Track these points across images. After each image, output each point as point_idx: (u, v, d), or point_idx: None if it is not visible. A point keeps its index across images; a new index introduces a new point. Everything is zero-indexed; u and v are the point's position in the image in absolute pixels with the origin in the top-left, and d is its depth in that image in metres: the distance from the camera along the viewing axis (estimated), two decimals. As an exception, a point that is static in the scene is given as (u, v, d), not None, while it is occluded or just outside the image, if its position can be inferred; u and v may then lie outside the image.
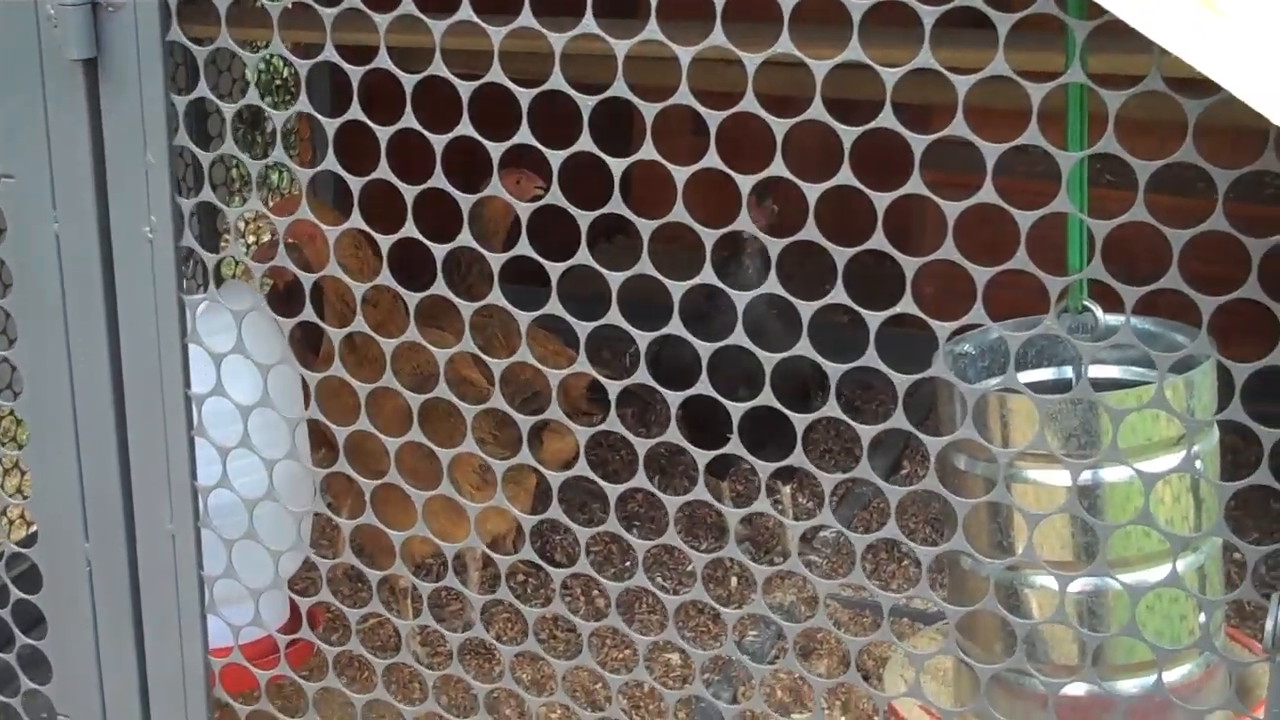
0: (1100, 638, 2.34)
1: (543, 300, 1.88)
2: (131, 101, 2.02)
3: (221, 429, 2.16)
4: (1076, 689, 2.13)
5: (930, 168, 1.65)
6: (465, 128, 1.82)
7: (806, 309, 1.76)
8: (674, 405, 1.88)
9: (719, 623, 3.75)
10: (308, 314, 2.08)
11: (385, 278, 1.98)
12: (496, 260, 1.90)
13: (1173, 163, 1.57)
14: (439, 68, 1.82)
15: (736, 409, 1.83)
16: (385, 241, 1.94)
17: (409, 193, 1.89)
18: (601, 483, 1.97)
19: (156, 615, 2.28)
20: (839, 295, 1.73)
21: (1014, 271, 1.66)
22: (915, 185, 1.67)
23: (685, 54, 1.69)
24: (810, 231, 1.72)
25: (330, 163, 1.96)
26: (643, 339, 1.86)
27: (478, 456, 2.04)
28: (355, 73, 1.87)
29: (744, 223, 1.83)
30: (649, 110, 1.74)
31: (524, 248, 1.87)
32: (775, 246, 1.76)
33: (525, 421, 1.99)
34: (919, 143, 1.65)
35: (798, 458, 1.85)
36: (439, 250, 1.91)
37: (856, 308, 1.73)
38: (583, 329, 1.88)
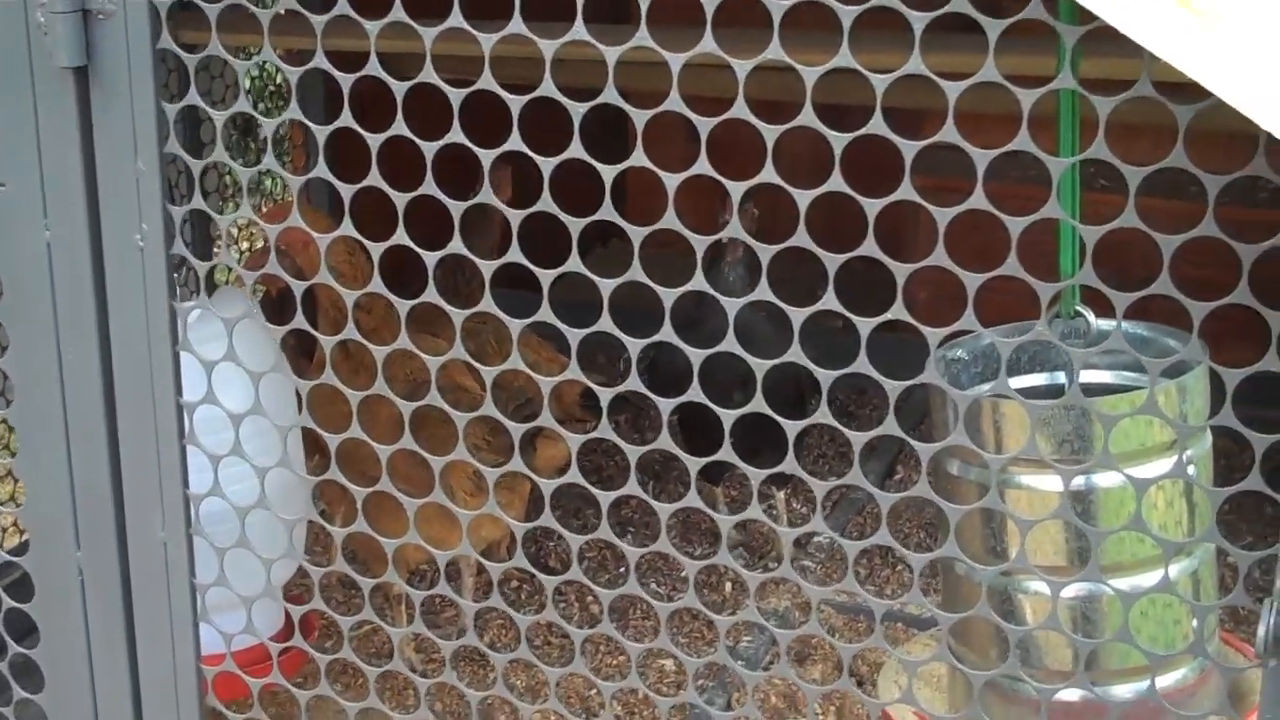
0: (1094, 643, 2.34)
1: (535, 307, 1.88)
2: (122, 109, 2.02)
3: (213, 436, 2.15)
4: (1070, 694, 2.13)
5: (922, 173, 1.65)
6: (456, 134, 1.82)
7: (797, 315, 1.76)
8: (666, 412, 1.88)
9: (713, 628, 3.75)
10: (299, 321, 2.08)
11: (377, 284, 1.98)
12: (490, 266, 1.90)
13: (1164, 167, 1.57)
14: (429, 74, 1.82)
15: (729, 415, 1.83)
16: (376, 248, 1.94)
17: (400, 200, 1.89)
18: (594, 490, 1.97)
19: (148, 623, 2.28)
20: (830, 301, 1.73)
21: (1006, 276, 1.66)
22: (906, 191, 1.66)
23: (676, 60, 1.69)
24: (801, 237, 1.72)
25: (321, 169, 1.96)
26: (633, 345, 1.86)
27: (471, 463, 2.04)
28: (346, 79, 1.87)
29: (728, 229, 1.83)
30: (640, 116, 1.74)
31: (515, 254, 1.86)
32: (765, 253, 1.76)
33: (519, 428, 1.99)
34: (910, 148, 1.65)
35: (790, 464, 1.85)
36: (430, 257, 1.91)
37: (847, 314, 1.72)
38: (574, 336, 1.88)
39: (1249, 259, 1.57)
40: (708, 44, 1.67)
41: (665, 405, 1.88)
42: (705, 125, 1.71)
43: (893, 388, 1.75)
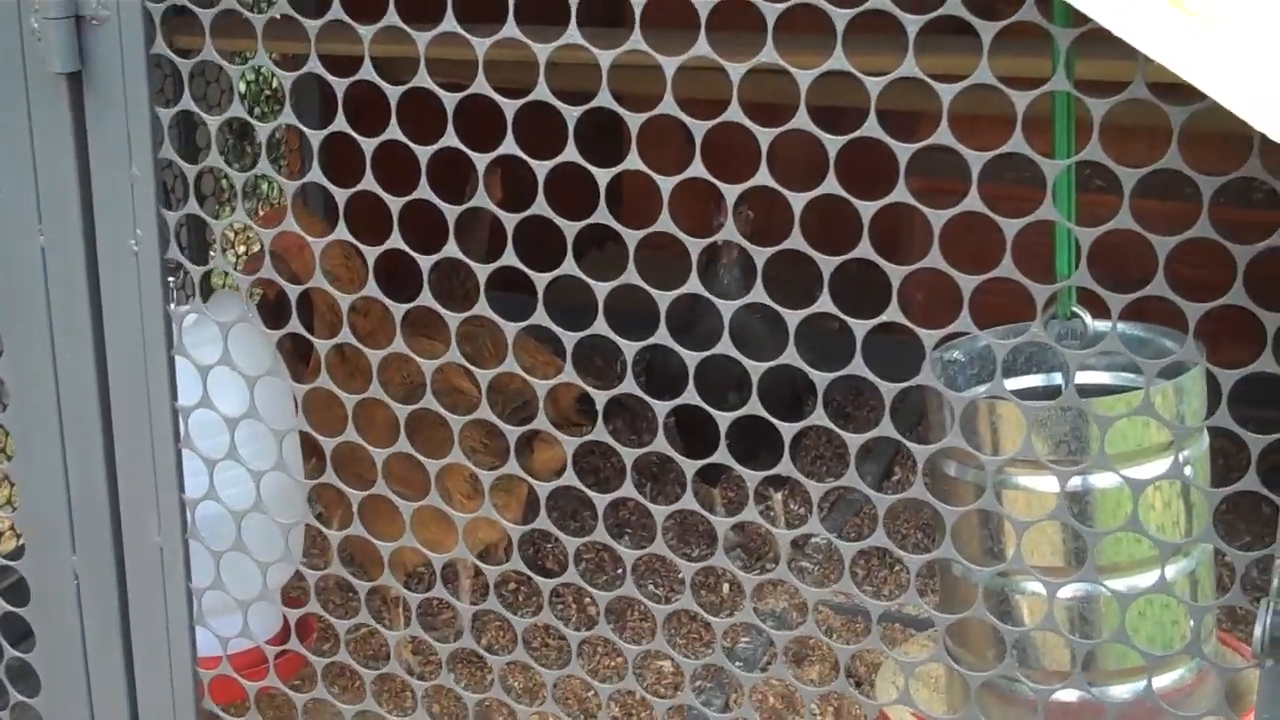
0: (1090, 644, 2.34)
1: (531, 310, 1.88)
2: (116, 114, 2.02)
3: (209, 440, 2.15)
4: (1068, 695, 2.13)
5: (918, 174, 1.65)
6: (450, 138, 1.82)
7: (793, 317, 1.75)
8: (662, 414, 1.88)
9: (711, 630, 3.75)
10: (295, 325, 2.08)
11: (373, 288, 1.98)
12: (484, 269, 1.90)
13: (1159, 169, 1.57)
14: (423, 78, 1.82)
15: (725, 418, 1.83)
16: (371, 252, 1.94)
17: (395, 204, 1.89)
18: (590, 492, 1.97)
19: (144, 627, 2.28)
20: (825, 303, 1.73)
21: (1002, 278, 1.66)
22: (901, 194, 1.66)
23: (670, 63, 1.69)
24: (796, 240, 1.72)
25: (315, 174, 1.96)
26: (629, 348, 1.86)
27: (468, 466, 2.04)
28: (340, 84, 1.86)
29: (723, 231, 1.83)
30: (634, 119, 1.74)
31: (510, 258, 1.86)
32: (760, 255, 1.76)
33: (516, 431, 1.99)
34: (904, 151, 1.65)
35: (786, 467, 1.85)
36: (425, 261, 1.91)
37: (843, 316, 1.72)
38: (569, 339, 1.88)
39: (1244, 259, 1.57)
40: (702, 47, 1.67)
41: (661, 408, 1.88)
42: (700, 128, 1.71)
43: (889, 389, 1.75)
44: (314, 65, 1.89)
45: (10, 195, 2.12)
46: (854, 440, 1.80)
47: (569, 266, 1.84)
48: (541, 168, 1.79)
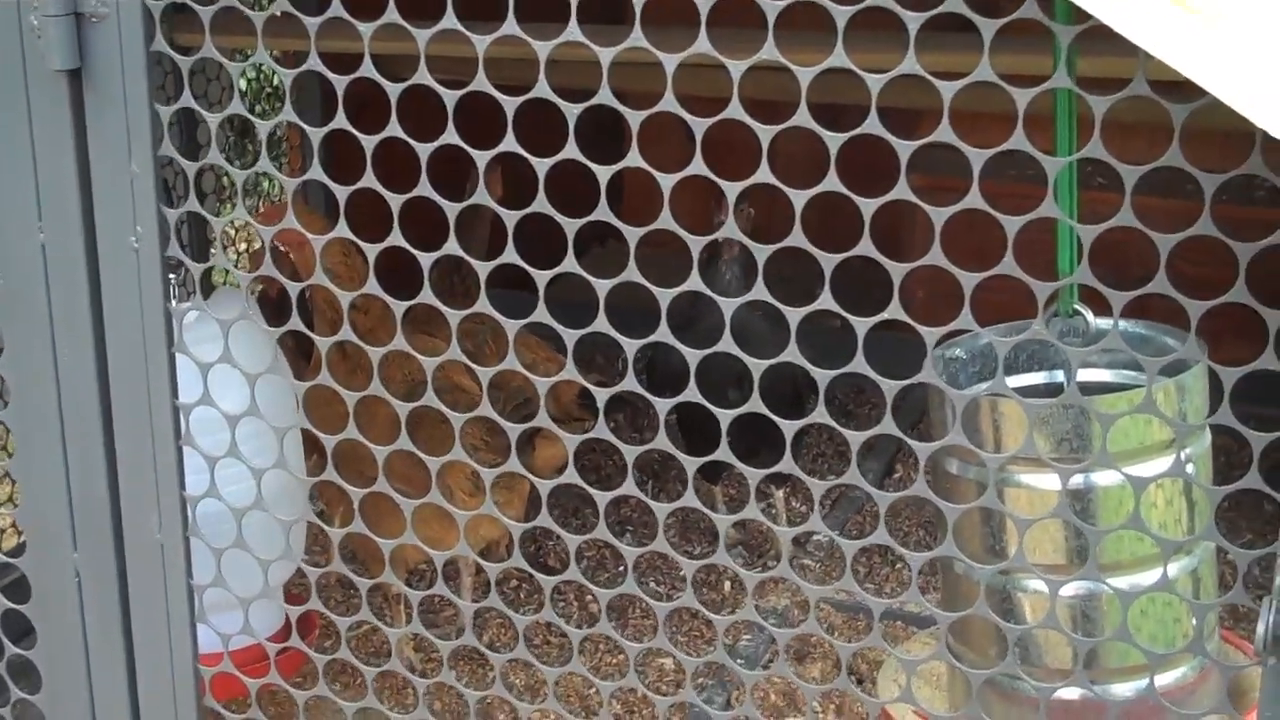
0: (1092, 642, 2.33)
1: (532, 307, 1.88)
2: (116, 111, 2.02)
3: (210, 438, 2.15)
4: (1070, 693, 2.13)
5: (919, 172, 1.65)
6: (450, 135, 1.82)
7: (794, 314, 1.75)
8: (663, 411, 1.88)
9: (713, 627, 3.75)
10: (295, 323, 2.08)
11: (372, 285, 1.97)
12: (485, 265, 1.90)
13: (1161, 166, 1.57)
14: (424, 75, 1.82)
15: (726, 415, 1.83)
16: (371, 249, 1.94)
17: (395, 201, 1.88)
18: (591, 490, 1.96)
19: (146, 624, 2.28)
20: (826, 301, 1.73)
21: (1004, 275, 1.66)
22: (902, 191, 1.66)
23: (671, 60, 1.69)
24: (797, 237, 1.71)
25: (316, 171, 1.95)
26: (629, 345, 1.86)
27: (470, 464, 2.04)
28: (340, 81, 1.86)
29: (723, 228, 1.83)
30: (634, 117, 1.74)
31: (511, 255, 1.86)
32: (761, 252, 1.76)
33: (517, 428, 1.99)
34: (905, 148, 1.64)
35: (787, 464, 1.85)
36: (426, 258, 1.91)
37: (843, 313, 1.72)
38: (570, 336, 1.87)
39: (1246, 257, 1.57)
40: (702, 44, 1.67)
41: (662, 405, 1.88)
42: (700, 125, 1.71)
43: (890, 387, 1.75)
44: (314, 62, 1.89)
45: (10, 192, 2.12)
46: (855, 438, 1.80)
47: (570, 264, 1.83)
48: (542, 165, 1.79)
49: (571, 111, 1.76)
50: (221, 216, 2.12)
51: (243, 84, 1.95)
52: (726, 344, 1.79)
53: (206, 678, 2.29)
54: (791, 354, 1.77)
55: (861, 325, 1.72)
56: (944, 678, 2.97)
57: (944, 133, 1.62)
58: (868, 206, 1.67)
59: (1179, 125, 1.53)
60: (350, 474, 2.12)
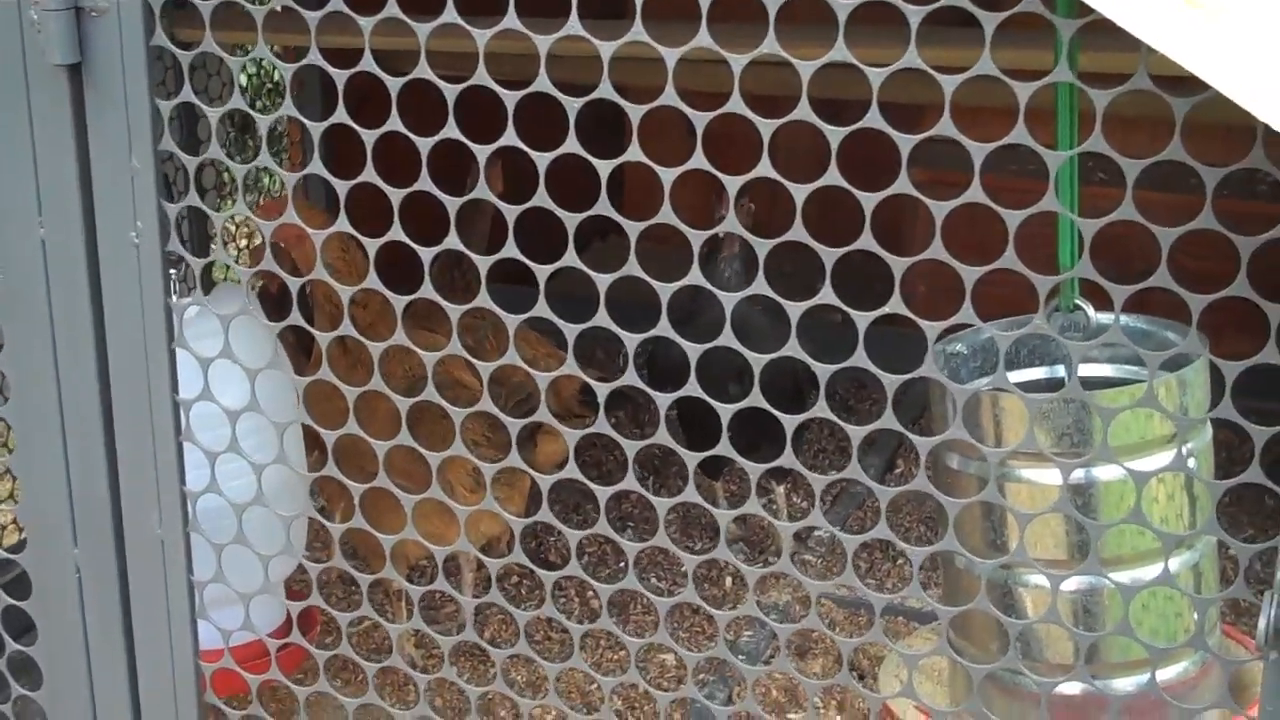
0: (1093, 636, 2.33)
1: (533, 302, 1.88)
2: (116, 106, 2.01)
3: (211, 433, 2.15)
4: (1071, 688, 2.13)
5: (921, 166, 1.65)
6: (451, 130, 1.82)
7: (795, 309, 1.75)
8: (664, 406, 1.88)
9: (714, 623, 3.75)
10: (295, 318, 2.07)
11: (372, 280, 1.97)
12: (486, 260, 1.90)
13: (1164, 160, 1.56)
14: (424, 70, 1.81)
15: (727, 410, 1.83)
16: (371, 244, 1.94)
17: (396, 196, 1.88)
18: (592, 485, 1.96)
19: (146, 620, 2.28)
20: (827, 295, 1.73)
21: (1005, 270, 1.65)
22: (903, 185, 1.66)
23: (671, 55, 1.68)
24: (798, 231, 1.71)
25: (316, 166, 1.95)
26: (630, 340, 1.86)
27: (471, 459, 2.04)
28: (340, 76, 1.86)
29: (724, 223, 1.83)
30: (635, 111, 1.74)
31: (512, 250, 1.86)
32: (762, 247, 1.76)
33: (518, 424, 1.98)
34: (906, 142, 1.64)
35: (788, 459, 1.85)
36: (426, 253, 1.91)
37: (845, 308, 1.72)
38: (570, 331, 1.87)
39: (1247, 251, 1.56)
40: (703, 38, 1.67)
41: (663, 400, 1.88)
42: (701, 120, 1.71)
43: (891, 381, 1.75)
44: (314, 57, 1.89)
45: (10, 188, 2.12)
46: (856, 433, 1.80)
47: (570, 258, 1.83)
48: (543, 159, 1.79)
49: (572, 106, 1.76)
50: (222, 212, 2.11)
51: (243, 79, 1.94)
52: (727, 339, 1.79)
53: (207, 674, 2.30)
54: (792, 348, 1.77)
55: (862, 320, 1.72)
56: (945, 673, 2.97)
57: (945, 127, 1.62)
58: (869, 201, 1.67)
59: (1180, 119, 1.52)
60: (351, 469, 2.12)
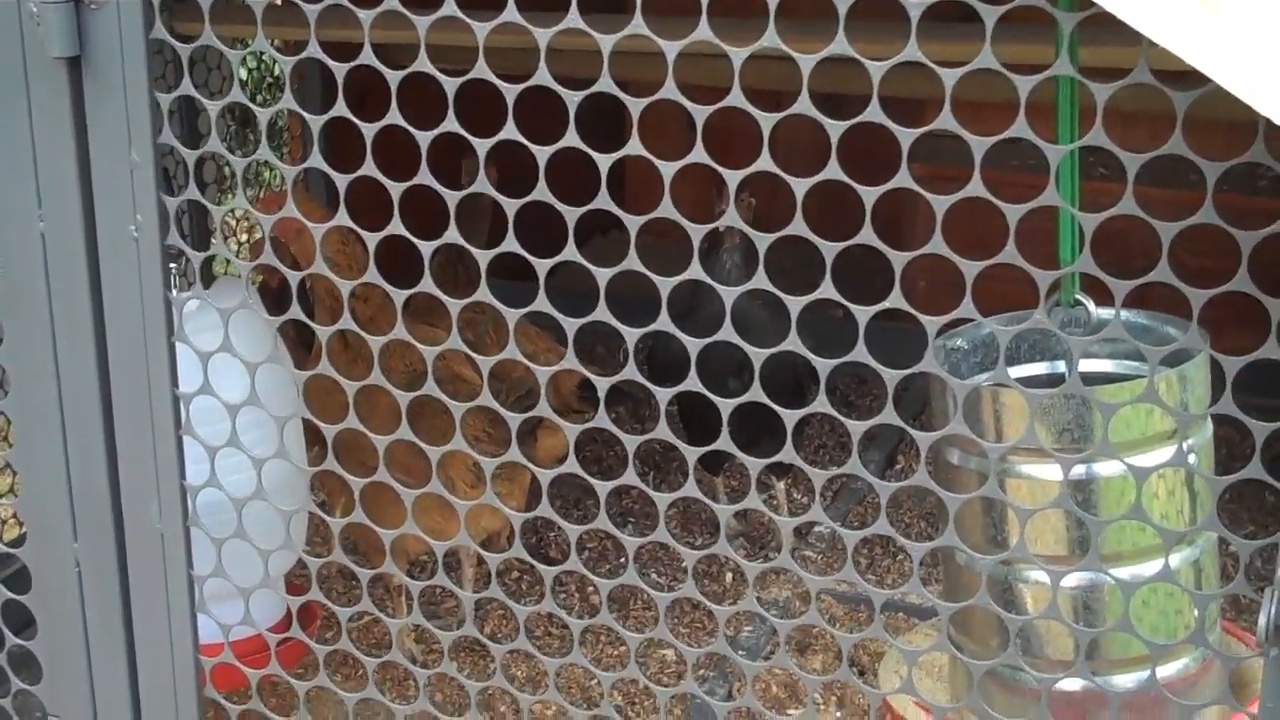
0: (1094, 633, 2.33)
1: (533, 296, 1.87)
2: (115, 99, 2.01)
3: (211, 427, 2.15)
4: (1072, 684, 2.12)
5: (921, 160, 1.64)
6: (451, 124, 1.81)
7: (795, 303, 1.75)
8: (664, 401, 1.88)
9: (714, 618, 3.75)
10: (295, 311, 2.07)
11: (372, 274, 1.97)
12: (486, 254, 1.89)
13: (1164, 155, 1.56)
14: (424, 64, 1.81)
15: (727, 405, 1.83)
16: (371, 238, 1.93)
17: (395, 189, 1.88)
18: (592, 480, 1.96)
19: (146, 615, 2.28)
20: (828, 290, 1.72)
21: (1006, 265, 1.65)
22: (903, 179, 1.66)
23: (671, 48, 1.68)
24: (798, 226, 1.71)
25: (315, 159, 1.95)
26: (630, 335, 1.85)
27: (471, 454, 2.04)
28: (340, 69, 1.86)
29: (724, 217, 1.83)
30: (635, 105, 1.73)
31: (511, 244, 1.86)
32: (762, 241, 1.75)
33: (519, 419, 1.98)
34: (907, 136, 1.64)
35: (788, 454, 1.84)
36: (426, 247, 1.90)
37: (845, 303, 1.72)
38: (570, 325, 1.87)
39: (1248, 246, 1.56)
40: (703, 32, 1.66)
41: (663, 395, 1.88)
42: (701, 113, 1.70)
43: (891, 377, 1.74)
44: (314, 50, 1.88)
45: (9, 181, 2.12)
46: (856, 428, 1.80)
47: (570, 253, 1.83)
48: (543, 153, 1.79)
49: (572, 99, 1.75)
50: (222, 205, 2.11)
51: (244, 73, 1.94)
52: (727, 333, 1.79)
53: (207, 668, 2.29)
54: (792, 343, 1.77)
55: (863, 314, 1.72)
56: (945, 669, 2.97)
57: (946, 121, 1.62)
58: (869, 195, 1.67)
59: (1181, 114, 1.52)
60: (353, 464, 2.12)
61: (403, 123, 1.84)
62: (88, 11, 1.98)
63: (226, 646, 2.26)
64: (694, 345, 1.81)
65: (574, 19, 1.71)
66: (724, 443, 1.86)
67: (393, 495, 2.08)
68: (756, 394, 1.80)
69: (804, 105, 1.65)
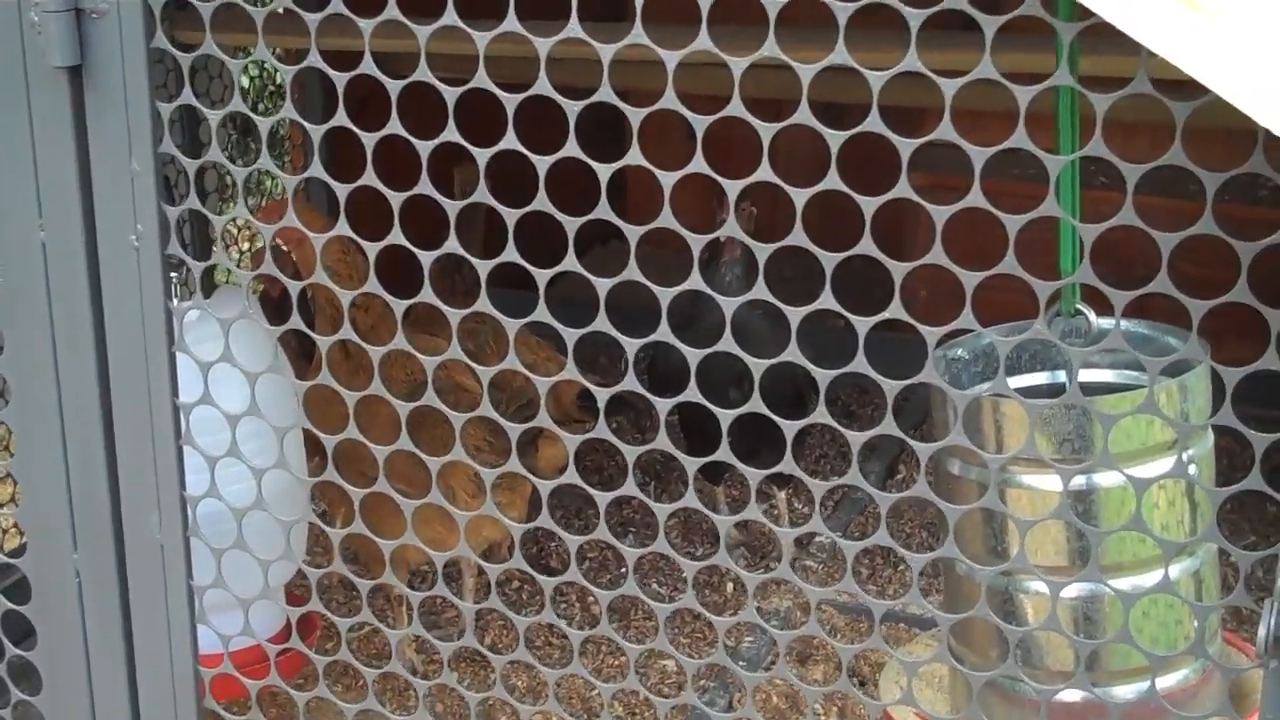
0: (1094, 644, 2.33)
1: (533, 306, 1.87)
2: (116, 108, 2.01)
3: (211, 437, 2.15)
4: (1071, 695, 2.12)
5: (923, 170, 1.64)
6: (451, 133, 1.81)
7: (795, 314, 1.75)
8: (663, 412, 1.87)
9: (714, 629, 3.74)
10: (295, 321, 2.07)
11: (373, 284, 1.97)
12: (485, 264, 1.89)
13: (1163, 165, 1.56)
14: (424, 73, 1.81)
15: (727, 416, 1.82)
16: (371, 248, 1.93)
17: (395, 199, 1.88)
18: (592, 490, 1.96)
19: (146, 625, 2.27)
20: (827, 300, 1.72)
21: (1006, 275, 1.65)
22: (903, 189, 1.66)
23: (671, 58, 1.68)
24: (798, 236, 1.71)
25: (316, 169, 1.95)
26: (630, 345, 1.85)
27: (472, 464, 2.03)
28: (340, 78, 1.86)
29: (724, 227, 1.82)
30: (635, 115, 1.73)
31: (511, 254, 1.86)
32: (762, 251, 1.75)
33: (519, 429, 1.98)
34: (907, 146, 1.64)
35: (788, 465, 1.84)
36: (425, 257, 1.90)
37: (845, 313, 1.72)
38: (570, 335, 1.87)
39: (1248, 256, 1.56)
40: (703, 42, 1.66)
41: (662, 405, 1.88)
42: (701, 123, 1.70)
43: (891, 387, 1.74)
44: (314, 59, 1.88)
45: (10, 190, 2.12)
46: (856, 438, 1.80)
47: (570, 263, 1.83)
48: (543, 163, 1.79)
49: (572, 109, 1.75)
50: (223, 215, 2.11)
51: (245, 81, 1.94)
52: (727, 343, 1.79)
53: (206, 679, 2.29)
54: (792, 354, 1.77)
55: (863, 325, 1.72)
56: (945, 680, 2.96)
57: (946, 131, 1.62)
58: (869, 205, 1.66)
59: (1181, 124, 1.52)
60: (354, 474, 2.12)
61: (403, 132, 1.84)
62: (89, 21, 1.98)
63: (226, 657, 2.26)
64: (694, 356, 1.81)
65: (574, 28, 1.71)
66: (724, 453, 1.85)
67: (393, 505, 2.08)
68: (756, 405, 1.80)
69: (804, 115, 1.65)
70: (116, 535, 2.24)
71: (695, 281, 1.81)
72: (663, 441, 1.90)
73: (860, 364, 1.74)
